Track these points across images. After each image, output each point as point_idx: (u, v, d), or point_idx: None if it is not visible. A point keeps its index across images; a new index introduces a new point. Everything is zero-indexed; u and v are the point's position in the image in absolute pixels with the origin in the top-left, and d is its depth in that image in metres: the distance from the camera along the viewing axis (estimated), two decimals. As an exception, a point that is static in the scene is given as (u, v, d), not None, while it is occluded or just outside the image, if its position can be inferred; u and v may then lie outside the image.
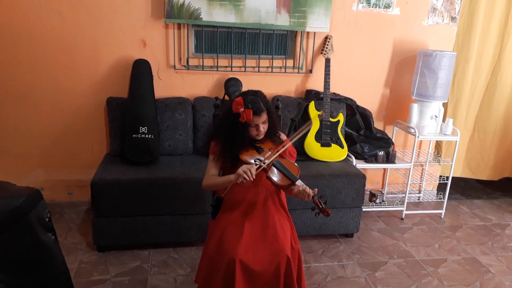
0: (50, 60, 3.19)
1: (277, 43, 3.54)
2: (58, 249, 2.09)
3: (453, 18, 3.70)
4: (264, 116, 2.00)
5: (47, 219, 2.02)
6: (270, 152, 2.03)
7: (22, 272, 1.97)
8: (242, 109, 1.93)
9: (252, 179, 1.86)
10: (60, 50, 3.19)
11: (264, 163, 1.94)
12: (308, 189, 1.93)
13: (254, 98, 1.98)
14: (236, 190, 2.07)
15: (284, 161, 2.05)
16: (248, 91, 2.05)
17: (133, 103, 3.10)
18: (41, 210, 1.99)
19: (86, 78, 3.28)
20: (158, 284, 2.56)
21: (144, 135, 3.03)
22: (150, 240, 2.89)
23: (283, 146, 2.02)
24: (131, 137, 3.02)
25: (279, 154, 2.04)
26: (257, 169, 1.91)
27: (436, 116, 3.54)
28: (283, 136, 2.19)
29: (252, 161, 1.98)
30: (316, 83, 3.62)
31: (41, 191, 2.05)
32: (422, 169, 4.03)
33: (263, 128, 2.02)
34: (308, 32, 3.49)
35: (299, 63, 3.56)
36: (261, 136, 2.05)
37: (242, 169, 1.86)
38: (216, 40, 3.39)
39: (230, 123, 2.00)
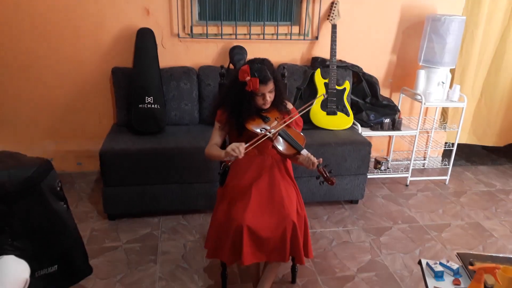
0: (53, 30, 3.17)
1: (282, 9, 3.48)
2: (71, 217, 2.15)
3: (463, -19, 3.60)
4: (270, 85, 1.99)
5: (58, 188, 2.07)
6: (276, 122, 2.04)
7: (37, 239, 2.03)
8: (248, 78, 1.92)
9: (241, 156, 1.87)
10: (63, 19, 3.15)
11: (270, 133, 1.96)
12: (313, 158, 1.95)
13: (261, 67, 1.96)
14: (243, 158, 2.09)
15: (290, 131, 2.06)
16: (255, 59, 2.03)
17: (138, 73, 3.09)
18: (52, 180, 2.04)
19: (90, 48, 3.26)
20: (169, 250, 2.64)
21: (150, 105, 3.04)
22: (159, 208, 2.95)
23: (291, 118, 2.03)
24: (137, 107, 3.04)
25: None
26: (262, 138, 1.92)
27: (443, 83, 3.50)
28: (290, 105, 2.19)
29: (258, 130, 1.99)
30: (322, 50, 3.57)
31: (51, 162, 2.09)
32: (428, 136, 4.03)
33: (270, 97, 2.02)
34: (313, -2, 3.42)
35: (304, 30, 3.51)
36: (268, 105, 2.05)
37: (231, 147, 1.88)
38: (220, 7, 3.33)
39: (236, 92, 1.99)
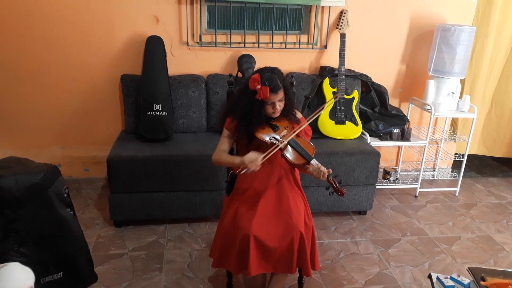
0: (64, 37, 3.19)
1: (291, 18, 3.48)
2: (77, 224, 2.15)
3: (473, -9, 3.58)
4: (280, 94, 1.97)
5: (65, 195, 2.07)
6: (285, 131, 2.02)
7: (43, 245, 2.03)
8: (259, 86, 1.91)
9: (257, 169, 1.87)
10: (74, 27, 3.18)
11: (280, 142, 1.94)
12: (323, 168, 1.93)
13: (271, 75, 1.95)
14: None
15: (299, 140, 2.04)
16: (265, 67, 2.02)
17: (147, 81, 3.10)
18: (59, 186, 2.04)
19: (100, 55, 3.28)
20: (174, 259, 2.62)
21: (158, 113, 3.05)
22: (166, 216, 2.93)
23: (300, 126, 2.01)
24: (145, 115, 3.04)
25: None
26: (273, 148, 1.91)
27: (453, 93, 3.47)
28: (299, 114, 2.17)
29: (268, 139, 1.98)
30: (330, 59, 3.56)
31: (58, 168, 2.09)
32: (437, 146, 3.99)
33: (280, 106, 2.00)
34: (323, 7, 3.42)
35: (313, 39, 3.50)
36: (277, 114, 2.03)
37: (249, 158, 1.86)
38: (229, 16, 3.34)
39: (246, 100, 1.98)
